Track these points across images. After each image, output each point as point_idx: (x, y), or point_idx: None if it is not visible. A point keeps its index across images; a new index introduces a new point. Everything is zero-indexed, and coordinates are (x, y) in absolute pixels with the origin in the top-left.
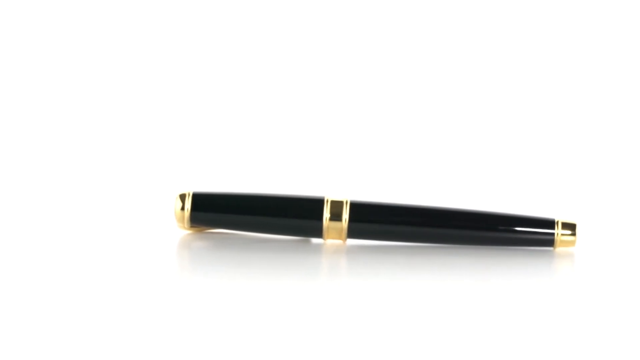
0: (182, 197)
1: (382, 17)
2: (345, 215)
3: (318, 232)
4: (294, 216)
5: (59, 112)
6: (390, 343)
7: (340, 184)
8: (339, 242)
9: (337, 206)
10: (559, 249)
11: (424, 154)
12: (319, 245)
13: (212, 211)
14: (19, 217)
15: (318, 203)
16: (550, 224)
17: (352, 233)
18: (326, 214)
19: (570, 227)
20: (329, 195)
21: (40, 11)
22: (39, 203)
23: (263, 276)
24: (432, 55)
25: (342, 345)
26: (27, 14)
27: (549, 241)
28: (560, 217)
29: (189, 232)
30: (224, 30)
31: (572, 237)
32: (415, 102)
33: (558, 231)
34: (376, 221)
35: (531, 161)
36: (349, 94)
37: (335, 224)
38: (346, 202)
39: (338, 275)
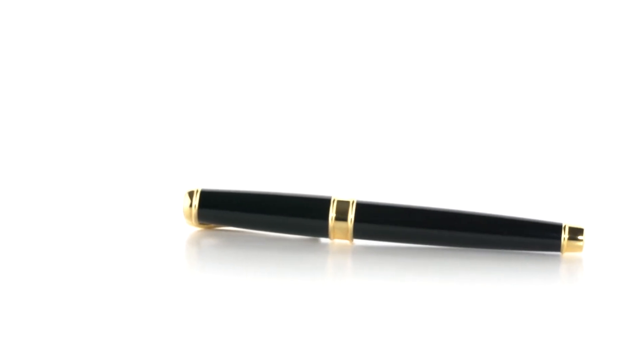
0: (191, 194)
1: (389, 18)
2: (351, 215)
3: (324, 232)
4: (300, 215)
5: (68, 112)
6: (394, 345)
7: (357, 186)
8: (346, 242)
9: (343, 206)
10: (566, 254)
11: (432, 156)
12: (325, 245)
13: (219, 208)
14: (26, 215)
15: (324, 203)
16: (557, 228)
17: (358, 233)
18: (332, 213)
19: (578, 232)
20: (336, 195)
21: (42, 12)
22: (48, 201)
23: (264, 275)
24: (442, 56)
25: (345, 344)
26: (27, 14)
27: (556, 246)
28: (567, 222)
29: (198, 229)
30: (232, 28)
31: (579, 242)
32: (424, 105)
33: (565, 236)
34: (382, 222)
35: (539, 164)
36: (361, 95)
37: (341, 224)
38: (352, 202)
39: (341, 276)
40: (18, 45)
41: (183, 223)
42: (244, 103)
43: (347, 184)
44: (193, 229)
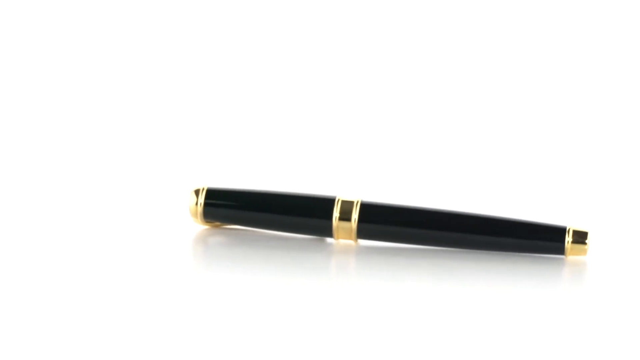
0: (197, 192)
1: (393, 19)
2: (355, 215)
3: (328, 232)
4: (304, 215)
5: (74, 112)
6: (396, 345)
7: (362, 186)
8: (350, 242)
9: (347, 206)
10: (570, 258)
11: (437, 157)
12: (329, 245)
13: (224, 207)
14: (32, 215)
15: (328, 202)
16: (561, 231)
17: (362, 234)
18: (336, 213)
19: (582, 235)
20: (341, 194)
21: (43, 12)
22: (54, 200)
23: (268, 274)
24: (446, 57)
25: (348, 344)
26: (27, 15)
27: (560, 249)
28: (572, 225)
29: (204, 227)
30: (237, 27)
31: (583, 246)
32: (429, 106)
33: (569, 239)
34: (385, 223)
35: (544, 167)
36: (366, 95)
37: (345, 224)
38: (357, 203)
39: (344, 276)
40: (22, 47)
41: (189, 221)
42: (250, 102)
43: (352, 184)
44: (199, 227)
